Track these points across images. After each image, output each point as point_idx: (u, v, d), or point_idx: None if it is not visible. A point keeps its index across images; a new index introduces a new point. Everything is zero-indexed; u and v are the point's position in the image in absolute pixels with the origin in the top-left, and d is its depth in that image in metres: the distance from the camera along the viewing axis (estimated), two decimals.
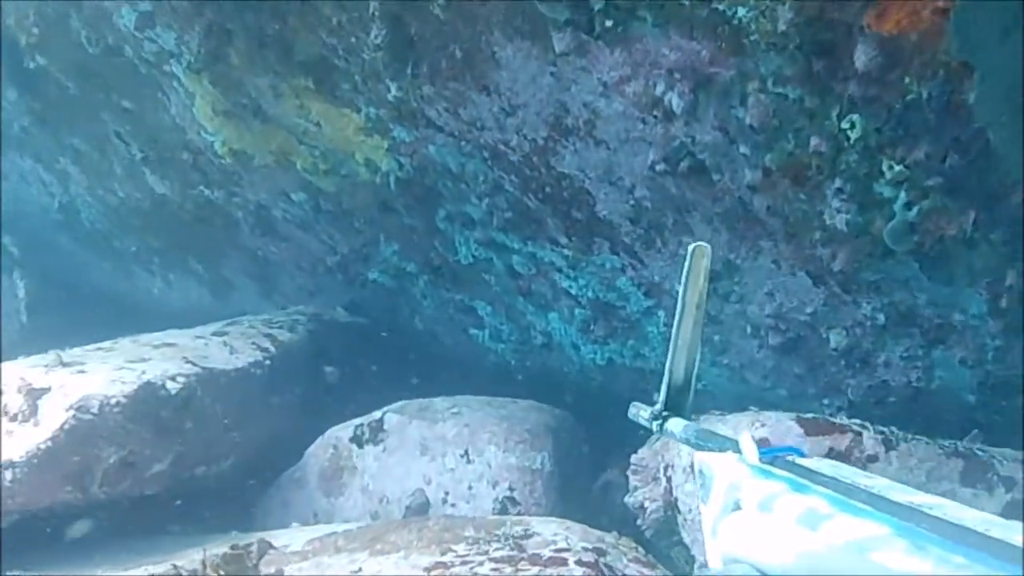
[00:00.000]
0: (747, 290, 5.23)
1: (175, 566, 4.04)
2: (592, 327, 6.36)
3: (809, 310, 5.06)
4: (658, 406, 2.39)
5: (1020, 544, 1.22)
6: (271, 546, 3.79)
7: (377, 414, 5.81)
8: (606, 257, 5.76)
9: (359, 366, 7.35)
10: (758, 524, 1.63)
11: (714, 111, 4.42)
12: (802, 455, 1.83)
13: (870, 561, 1.34)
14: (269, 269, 8.44)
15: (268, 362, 6.10)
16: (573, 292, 6.20)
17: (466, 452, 5.34)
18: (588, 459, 6.03)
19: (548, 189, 5.52)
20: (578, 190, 5.39)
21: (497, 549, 4.01)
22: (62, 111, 8.32)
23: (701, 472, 1.93)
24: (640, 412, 2.48)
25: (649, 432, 2.48)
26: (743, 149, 4.45)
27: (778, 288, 5.10)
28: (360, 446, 5.67)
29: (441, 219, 6.45)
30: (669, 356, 2.42)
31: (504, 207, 5.91)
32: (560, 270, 6.11)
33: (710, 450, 2.00)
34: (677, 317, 2.39)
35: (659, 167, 4.85)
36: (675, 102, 4.49)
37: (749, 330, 5.47)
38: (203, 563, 3.70)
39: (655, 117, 4.64)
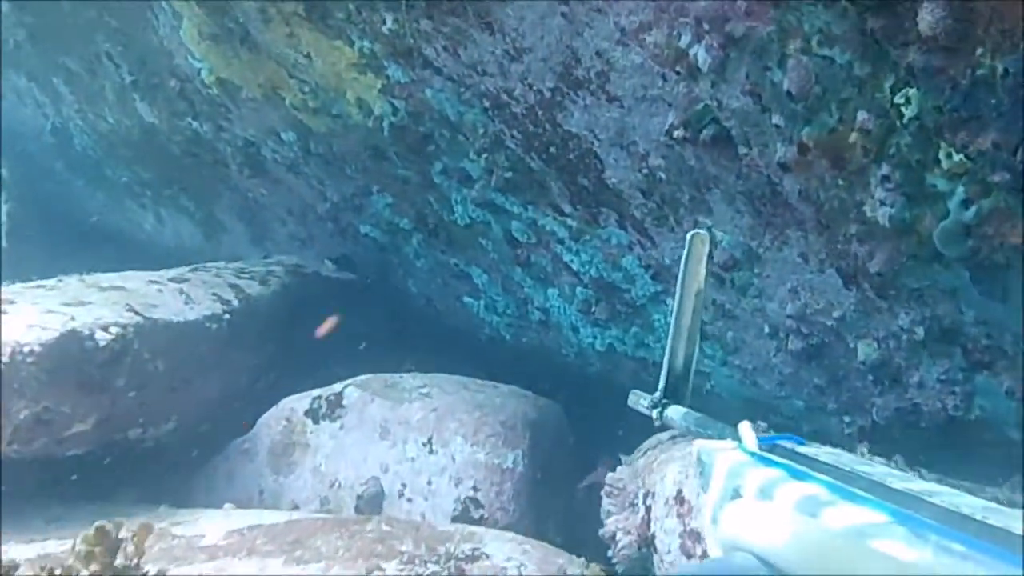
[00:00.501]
0: (768, 284, 4.56)
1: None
2: (593, 308, 5.73)
3: (837, 314, 4.39)
4: (657, 394, 2.44)
5: (1019, 532, 1.22)
6: (150, 532, 3.08)
7: (338, 387, 5.16)
8: (612, 231, 5.13)
9: (340, 327, 6.68)
10: (757, 511, 1.60)
11: (746, 71, 3.76)
12: (801, 442, 1.83)
13: (869, 548, 1.31)
14: (260, 213, 7.98)
15: (227, 316, 5.46)
16: (575, 267, 5.56)
17: (430, 441, 4.69)
18: (575, 456, 5.37)
19: (553, 149, 4.88)
20: (586, 152, 4.74)
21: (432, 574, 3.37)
22: (55, 27, 7.91)
23: (700, 459, 1.90)
24: (640, 400, 2.53)
25: (650, 427, 2.48)
26: (776, 119, 3.79)
27: (803, 286, 4.43)
28: (316, 421, 5.03)
29: (437, 173, 5.84)
30: (668, 344, 2.45)
31: (504, 165, 5.28)
32: (562, 241, 5.47)
33: (709, 437, 2.05)
34: (676, 304, 2.42)
35: (678, 133, 4.19)
36: (702, 57, 3.82)
37: (767, 330, 4.80)
38: (73, 551, 3.02)
39: (677, 73, 3.99)
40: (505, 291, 6.38)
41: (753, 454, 1.77)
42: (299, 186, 7.14)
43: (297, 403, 5.18)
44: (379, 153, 6.07)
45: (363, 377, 5.21)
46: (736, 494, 1.71)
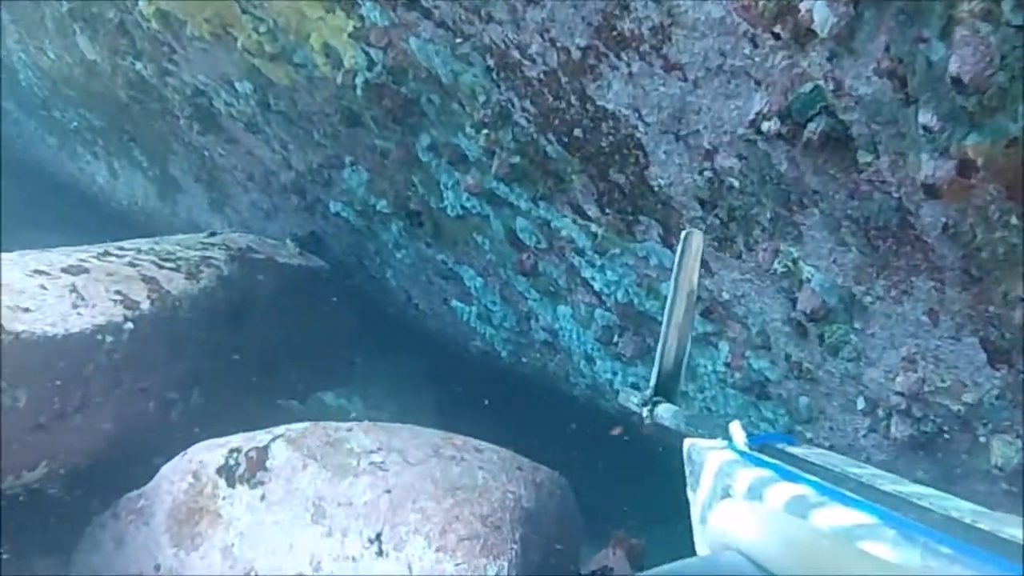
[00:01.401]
0: (872, 346, 3.33)
1: None
2: (616, 339, 4.51)
3: (969, 398, 3.18)
4: (648, 391, 2.37)
5: (1008, 536, 1.22)
6: None
7: (263, 437, 3.78)
8: (652, 248, 3.87)
9: (297, 330, 5.38)
10: (747, 511, 1.59)
11: (886, 41, 2.50)
12: (792, 443, 1.81)
13: (858, 549, 1.31)
14: (219, 176, 6.75)
15: (130, 325, 4.11)
16: (596, 286, 4.31)
17: (379, 537, 3.30)
18: (581, 534, 4.03)
19: (579, 131, 3.65)
20: (625, 139, 3.50)
21: None
22: None
23: (691, 458, 1.90)
24: (630, 397, 2.46)
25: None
26: (927, 118, 2.51)
27: (926, 354, 3.20)
28: (231, 484, 3.67)
29: (423, 148, 4.59)
30: (660, 342, 2.35)
31: (511, 147, 4.04)
32: (582, 252, 4.22)
33: (700, 436, 1.99)
34: (669, 303, 2.33)
35: (768, 125, 2.93)
36: (820, 15, 2.54)
37: (861, 404, 3.57)
38: None
39: (776, 37, 2.73)
40: (503, 300, 5.10)
41: (743, 453, 1.75)
42: (259, 148, 5.89)
43: (208, 454, 3.80)
44: (352, 117, 4.80)
45: (299, 427, 3.81)
46: (726, 493, 1.69)
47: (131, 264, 4.60)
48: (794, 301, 3.42)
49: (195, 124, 6.06)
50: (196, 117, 6.01)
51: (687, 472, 1.96)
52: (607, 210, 3.86)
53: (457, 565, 3.22)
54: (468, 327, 5.59)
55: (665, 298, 3.83)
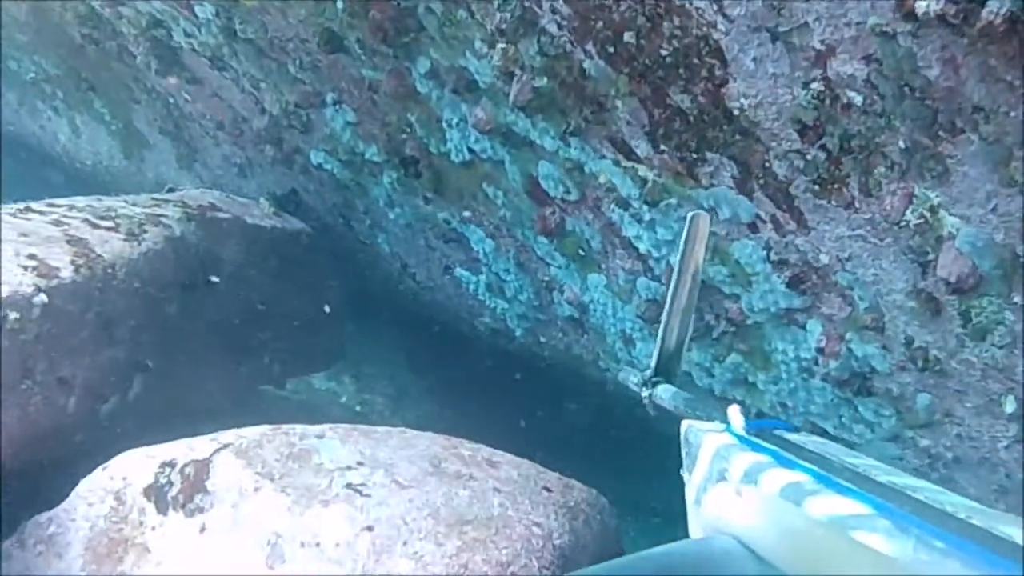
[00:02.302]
0: None
1: None
2: None
3: None
4: (648, 372, 2.35)
5: (1002, 533, 1.20)
6: None
7: (204, 446, 2.83)
8: (724, 195, 2.98)
9: (271, 304, 4.53)
10: (742, 496, 1.55)
11: None
12: (790, 429, 1.78)
13: (851, 539, 1.28)
14: (186, 126, 5.87)
15: (41, 299, 3.17)
16: (642, 248, 3.39)
17: None
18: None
19: (631, 35, 2.73)
20: (697, 43, 2.61)
21: None
22: None
23: (688, 440, 1.88)
24: (630, 376, 2.45)
25: None
26: None
27: None
28: (162, 509, 2.73)
29: (422, 76, 3.66)
30: (663, 322, 2.31)
31: (535, 64, 3.12)
32: (625, 204, 3.31)
33: (698, 418, 1.97)
34: (673, 284, 2.28)
35: (924, 4, 1.96)
36: None
37: (1011, 407, 2.63)
38: None
39: None
40: (519, 268, 4.17)
41: (741, 438, 1.72)
42: (227, 89, 4.98)
43: (135, 469, 2.87)
44: (333, 40, 3.88)
45: (254, 432, 2.84)
46: (721, 477, 1.66)
47: (56, 223, 3.68)
48: (927, 266, 2.51)
49: (153, 62, 5.16)
50: (154, 54, 5.11)
51: (683, 454, 1.91)
52: (662, 146, 2.93)
53: None
54: (475, 300, 4.67)
55: (735, 263, 2.96)
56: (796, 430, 1.82)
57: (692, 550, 1.65)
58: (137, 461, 2.90)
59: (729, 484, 1.65)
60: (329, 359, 5.22)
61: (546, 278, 4.06)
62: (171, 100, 5.59)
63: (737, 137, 2.68)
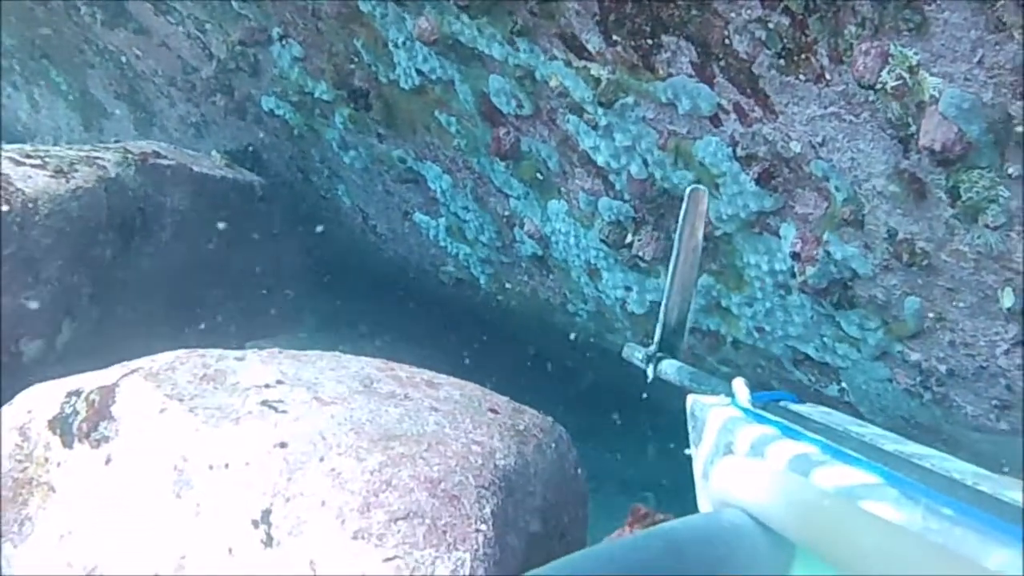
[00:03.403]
0: None
1: None
2: (630, 237, 3.27)
3: None
4: (652, 347, 2.37)
5: (1009, 499, 1.20)
6: None
7: (115, 372, 2.55)
8: (682, 85, 2.67)
9: (224, 260, 4.27)
10: (749, 468, 1.51)
11: None
12: (795, 400, 1.78)
13: (859, 509, 1.26)
14: (140, 87, 5.65)
15: None
16: (600, 160, 3.10)
17: (266, 517, 2.07)
18: (583, 507, 2.79)
19: None
20: None
21: None
22: None
23: (693, 414, 1.85)
24: (634, 353, 2.47)
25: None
26: None
27: None
28: (67, 442, 2.45)
29: None
30: (664, 298, 2.34)
31: None
32: (579, 109, 3.03)
33: (703, 392, 1.98)
34: (673, 260, 2.27)
35: None
36: None
37: (1008, 301, 2.46)
38: None
39: None
40: (478, 203, 3.89)
41: (746, 411, 1.70)
42: (174, 37, 4.71)
43: (40, 401, 2.58)
44: None
45: (167, 356, 2.59)
46: (728, 450, 1.64)
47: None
48: (908, 142, 2.23)
49: (98, 14, 4.91)
50: (98, 3, 4.88)
51: (690, 428, 1.85)
52: (615, 36, 2.65)
53: (387, 560, 1.98)
54: (437, 247, 4.39)
55: (699, 165, 2.70)
56: (801, 401, 1.80)
57: (701, 524, 1.57)
58: (43, 392, 2.61)
59: (735, 457, 1.63)
60: (289, 321, 4.93)
61: (506, 212, 3.78)
62: (123, 59, 5.35)
63: (693, 12, 2.40)
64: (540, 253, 3.80)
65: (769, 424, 1.63)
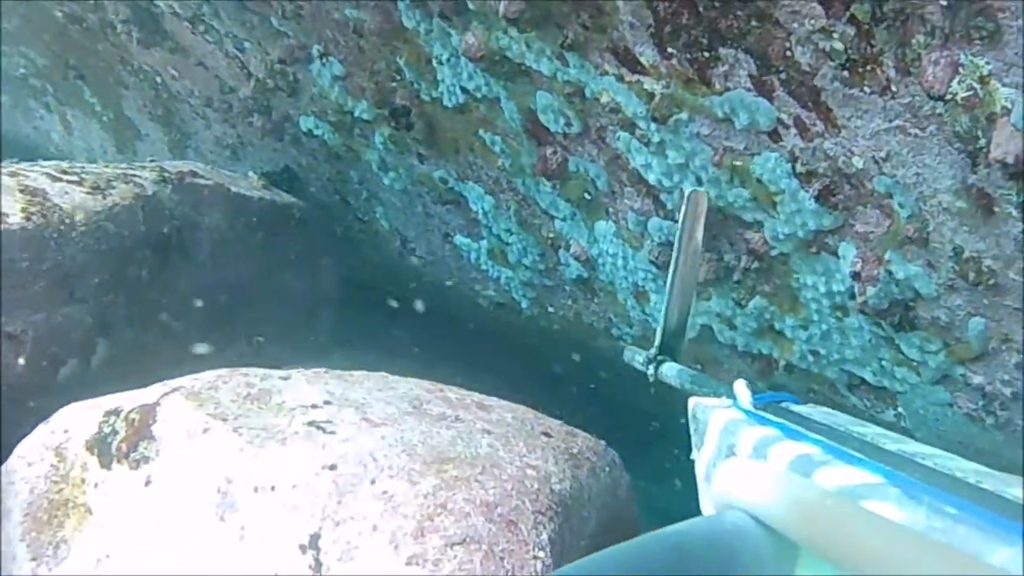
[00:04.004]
0: None
1: None
2: None
3: None
4: (653, 350, 2.41)
5: (1011, 497, 1.22)
6: None
7: (156, 391, 2.50)
8: (740, 99, 2.61)
9: (260, 282, 4.27)
10: (751, 470, 1.54)
11: None
12: (796, 402, 1.82)
13: (862, 508, 1.27)
14: (175, 108, 5.57)
15: None
16: (652, 178, 3.01)
17: (315, 542, 1.99)
18: (636, 531, 2.73)
19: None
20: None
21: None
22: None
23: (695, 417, 1.88)
24: (635, 356, 2.49)
25: None
26: None
27: None
28: (105, 462, 2.39)
29: (407, 7, 3.28)
30: (665, 301, 2.37)
31: None
32: (631, 126, 2.96)
33: (704, 395, 2.02)
34: (674, 263, 2.34)
35: None
36: None
37: None
38: None
39: None
40: (521, 225, 3.82)
41: (748, 412, 1.74)
42: (212, 55, 4.69)
43: (78, 420, 2.53)
44: None
45: (208, 375, 2.51)
46: (730, 452, 1.67)
47: (12, 175, 3.36)
48: (976, 156, 2.15)
49: (135, 32, 4.88)
50: (135, 22, 4.83)
51: (692, 431, 1.88)
52: (670, 48, 2.58)
53: None
54: (477, 271, 4.32)
55: (756, 182, 2.63)
56: (803, 402, 1.82)
57: (704, 526, 1.57)
58: (81, 412, 2.55)
59: (738, 459, 1.65)
60: (324, 347, 4.87)
61: (551, 234, 3.71)
62: (159, 79, 5.32)
63: (753, 23, 2.33)
64: (585, 275, 3.72)
65: (771, 426, 1.66)
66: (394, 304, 4.85)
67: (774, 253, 2.85)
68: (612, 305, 3.77)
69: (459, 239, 4.22)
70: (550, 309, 4.16)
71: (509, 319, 4.46)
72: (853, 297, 2.72)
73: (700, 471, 1.80)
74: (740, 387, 1.84)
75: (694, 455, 1.87)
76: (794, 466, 1.47)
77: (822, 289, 2.80)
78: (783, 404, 1.82)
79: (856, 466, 1.39)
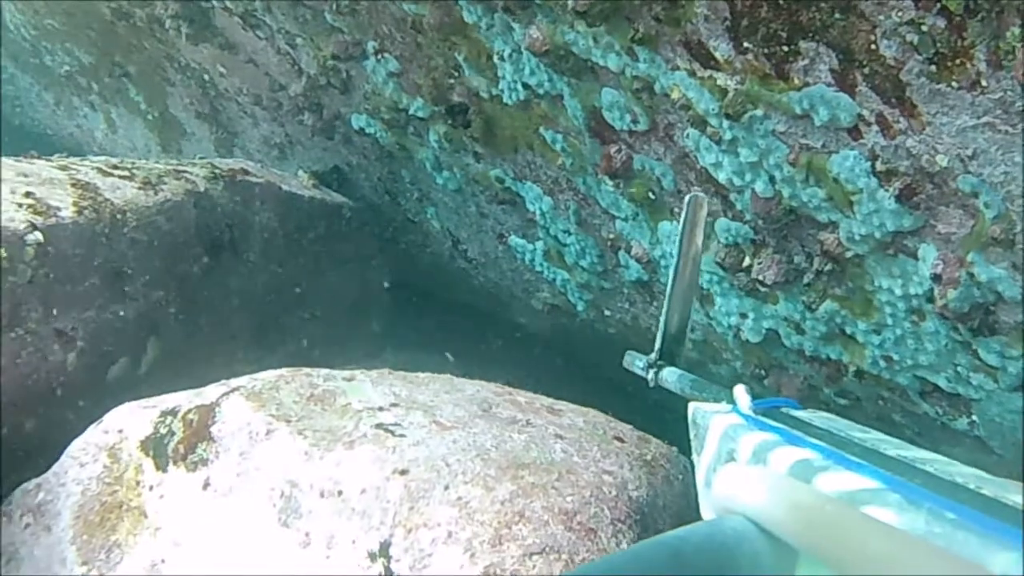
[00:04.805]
0: None
1: None
2: (748, 259, 3.17)
3: None
4: (653, 355, 2.27)
5: (1011, 503, 1.16)
6: None
7: (214, 391, 2.44)
8: (820, 95, 2.52)
9: (310, 281, 4.18)
10: (751, 475, 1.45)
11: None
12: (796, 407, 1.70)
13: (862, 514, 1.23)
14: (223, 106, 5.52)
15: (36, 237, 2.77)
16: (722, 177, 2.93)
17: (385, 549, 1.92)
18: None
19: None
20: None
21: None
22: None
23: (695, 422, 1.80)
24: (635, 361, 2.35)
25: None
26: None
27: None
28: (161, 464, 2.33)
29: (468, 1, 3.11)
30: (665, 306, 2.28)
31: None
32: (702, 123, 2.87)
33: (704, 400, 1.92)
34: (673, 268, 2.18)
35: None
36: None
37: None
38: None
39: None
40: (580, 226, 3.73)
41: (748, 418, 1.64)
42: (262, 52, 4.62)
43: (132, 420, 2.47)
44: None
45: (269, 374, 2.45)
46: (730, 457, 1.59)
47: (62, 168, 3.31)
48: None
49: (184, 28, 4.82)
50: (184, 17, 4.78)
51: (692, 436, 1.78)
52: (746, 43, 2.50)
53: None
54: (532, 273, 4.24)
55: (833, 181, 2.54)
56: (803, 407, 1.72)
57: (704, 532, 1.46)
58: (135, 412, 2.49)
59: (738, 464, 1.57)
60: (375, 346, 4.81)
61: (610, 235, 3.63)
62: (206, 76, 5.26)
63: (836, 16, 2.25)
64: (646, 278, 3.64)
65: (771, 431, 1.59)
66: (445, 305, 4.79)
67: (849, 255, 2.76)
68: None
69: (514, 240, 4.14)
70: (607, 312, 4.08)
71: (564, 322, 4.38)
72: (931, 300, 2.63)
73: (700, 476, 1.71)
74: (740, 392, 1.74)
75: (694, 461, 1.77)
76: (794, 471, 1.42)
77: (898, 292, 2.71)
78: (783, 409, 1.72)
79: (856, 471, 1.36)
